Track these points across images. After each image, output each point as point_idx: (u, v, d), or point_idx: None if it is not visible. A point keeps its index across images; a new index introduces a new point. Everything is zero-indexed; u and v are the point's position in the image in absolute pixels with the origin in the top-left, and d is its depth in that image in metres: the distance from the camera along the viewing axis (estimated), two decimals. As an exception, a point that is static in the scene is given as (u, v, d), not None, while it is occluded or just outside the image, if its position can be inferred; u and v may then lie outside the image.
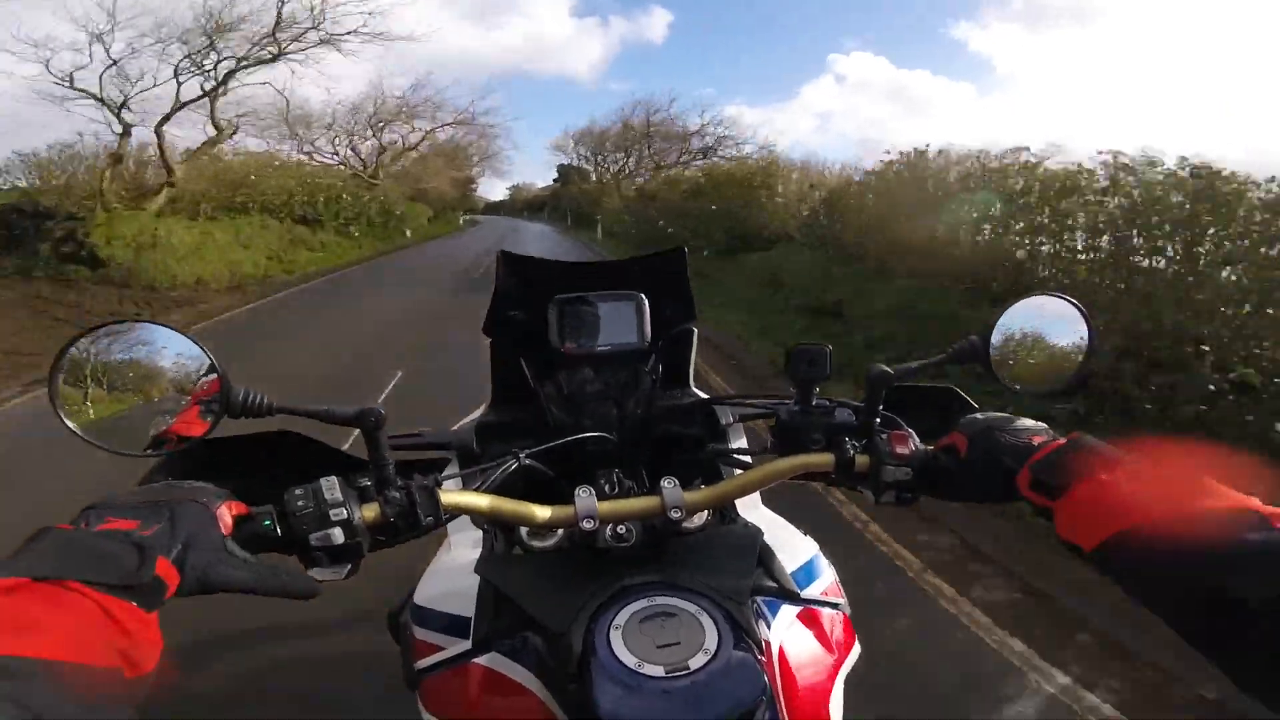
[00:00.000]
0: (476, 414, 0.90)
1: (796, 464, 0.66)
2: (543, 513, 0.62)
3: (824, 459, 0.66)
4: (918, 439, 0.66)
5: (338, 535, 0.53)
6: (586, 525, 0.61)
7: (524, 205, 57.02)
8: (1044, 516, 0.55)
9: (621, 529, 0.69)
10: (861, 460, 0.65)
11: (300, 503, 0.53)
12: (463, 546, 0.75)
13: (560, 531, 0.72)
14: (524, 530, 0.73)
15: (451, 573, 0.72)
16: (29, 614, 0.40)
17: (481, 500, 0.61)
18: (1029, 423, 0.62)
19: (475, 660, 0.64)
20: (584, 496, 0.62)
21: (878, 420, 0.68)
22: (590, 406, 0.85)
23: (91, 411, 0.54)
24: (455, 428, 0.87)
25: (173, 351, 0.55)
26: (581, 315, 0.83)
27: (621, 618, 0.56)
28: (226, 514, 0.51)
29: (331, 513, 0.53)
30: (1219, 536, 0.42)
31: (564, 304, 0.83)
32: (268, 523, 0.53)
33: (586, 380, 0.85)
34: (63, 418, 0.52)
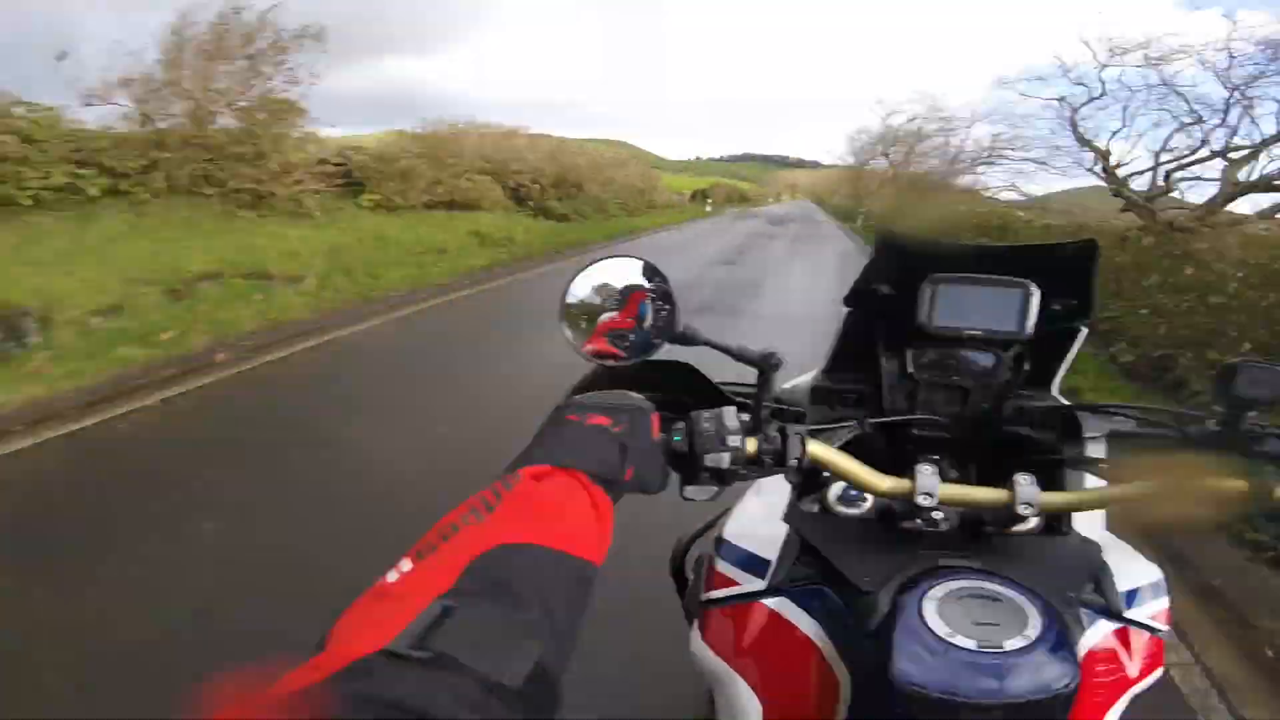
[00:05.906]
0: (807, 377, 0.92)
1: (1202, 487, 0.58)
2: (883, 481, 0.63)
3: (1237, 486, 0.58)
4: None
5: (725, 460, 0.59)
6: (923, 501, 0.61)
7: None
8: None
9: (938, 514, 0.69)
10: None
11: (706, 424, 0.59)
12: (769, 494, 0.78)
13: (869, 502, 0.75)
14: (833, 493, 0.77)
15: (758, 516, 0.75)
16: (554, 501, 0.42)
17: (838, 457, 0.63)
18: None
19: (764, 601, 0.66)
20: (927, 473, 0.62)
21: None
22: (930, 390, 0.83)
23: (584, 327, 0.68)
24: (789, 386, 0.90)
25: (637, 280, 0.66)
26: (959, 296, 0.77)
27: (938, 590, 0.56)
28: (654, 424, 0.59)
29: (729, 438, 0.59)
30: None
31: (941, 282, 0.78)
32: (678, 438, 0.59)
33: (935, 364, 0.83)
34: (566, 332, 0.66)
